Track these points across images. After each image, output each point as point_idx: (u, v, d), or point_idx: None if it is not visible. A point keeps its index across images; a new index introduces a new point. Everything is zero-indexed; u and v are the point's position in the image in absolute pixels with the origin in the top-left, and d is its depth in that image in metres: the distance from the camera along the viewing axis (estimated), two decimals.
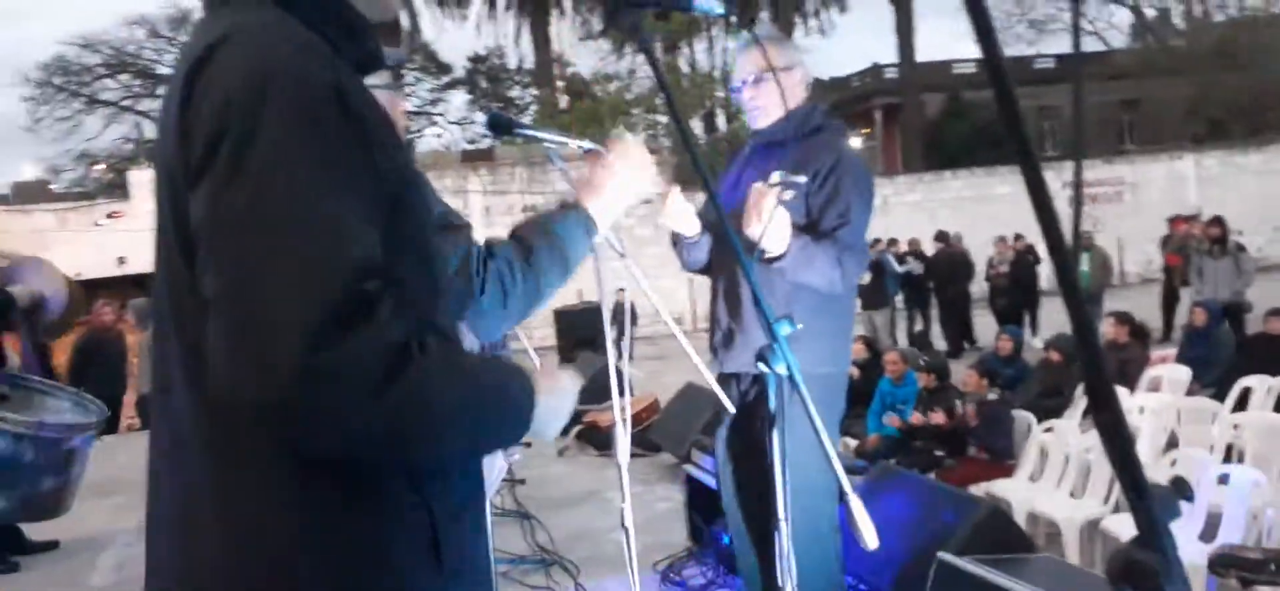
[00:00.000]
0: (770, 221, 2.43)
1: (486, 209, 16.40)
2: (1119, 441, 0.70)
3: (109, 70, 33.25)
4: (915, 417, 6.39)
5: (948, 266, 12.84)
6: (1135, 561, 0.71)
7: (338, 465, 1.01)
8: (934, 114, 30.99)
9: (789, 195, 2.51)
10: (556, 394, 1.24)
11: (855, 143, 36.60)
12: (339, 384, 0.92)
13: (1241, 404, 6.34)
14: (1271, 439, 5.31)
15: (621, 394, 2.14)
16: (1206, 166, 21.30)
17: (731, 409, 2.03)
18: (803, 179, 2.61)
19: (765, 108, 2.81)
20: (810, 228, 2.65)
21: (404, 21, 28.05)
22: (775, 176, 2.54)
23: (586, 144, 2.65)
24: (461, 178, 17.22)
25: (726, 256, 2.85)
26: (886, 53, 32.33)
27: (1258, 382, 6.48)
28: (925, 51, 28.71)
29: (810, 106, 2.85)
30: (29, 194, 26.87)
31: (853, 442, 7.02)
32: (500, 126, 2.08)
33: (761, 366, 1.42)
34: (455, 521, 1.12)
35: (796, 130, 2.81)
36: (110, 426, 9.89)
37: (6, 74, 54.67)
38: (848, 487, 1.36)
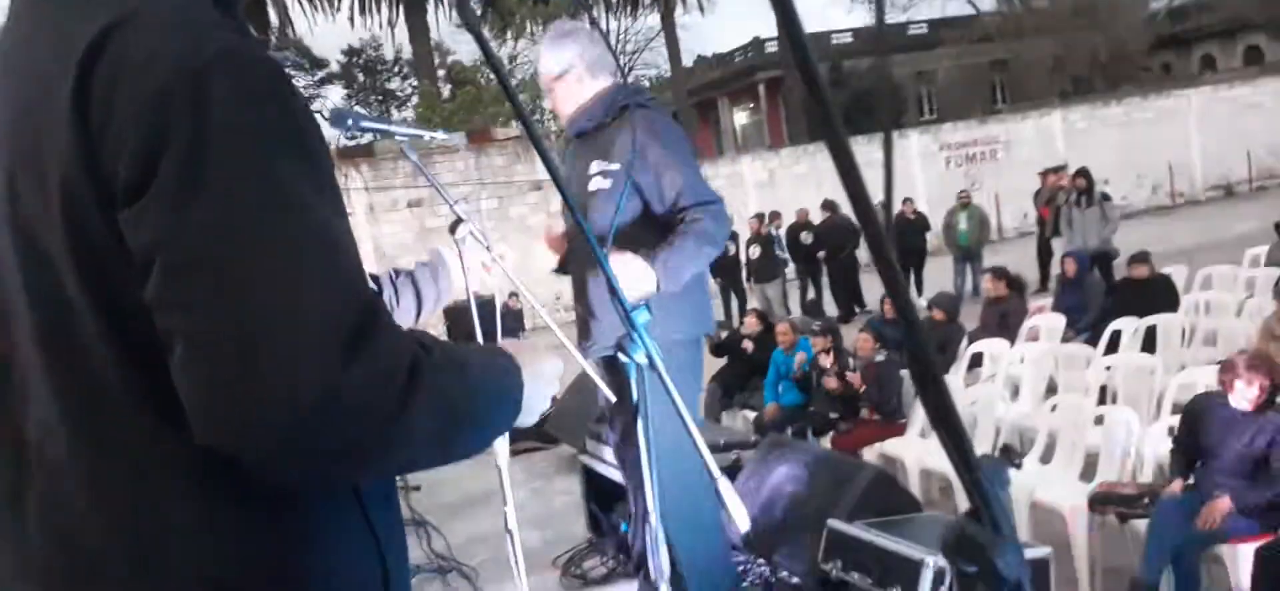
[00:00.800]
0: (623, 274, 2.51)
1: (370, 206, 15.95)
2: (947, 421, 0.69)
3: None
4: (829, 383, 6.43)
5: (835, 234, 13.10)
6: (968, 535, 0.71)
7: (285, 498, 0.91)
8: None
9: (607, 184, 2.55)
10: (541, 375, 1.14)
11: (742, 117, 37.19)
12: (367, 408, 0.83)
13: (1113, 347, 6.65)
14: (1140, 379, 5.58)
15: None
16: (1072, 121, 22.32)
17: (611, 397, 1.97)
18: (616, 165, 2.66)
19: (562, 105, 2.90)
20: (654, 219, 2.74)
21: (273, 17, 26.96)
22: (594, 167, 2.67)
23: (439, 135, 2.66)
24: (341, 175, 16.68)
25: (579, 246, 2.85)
26: (767, 27, 32.79)
27: (1126, 325, 6.81)
28: (804, 23, 29.07)
29: (613, 89, 2.91)
30: None
31: (751, 415, 7.09)
32: (340, 120, 1.96)
33: (621, 356, 1.37)
34: (398, 550, 1.05)
35: (603, 116, 2.88)
36: None
37: None
38: (715, 471, 1.32)
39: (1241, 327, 6.37)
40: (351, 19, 29.73)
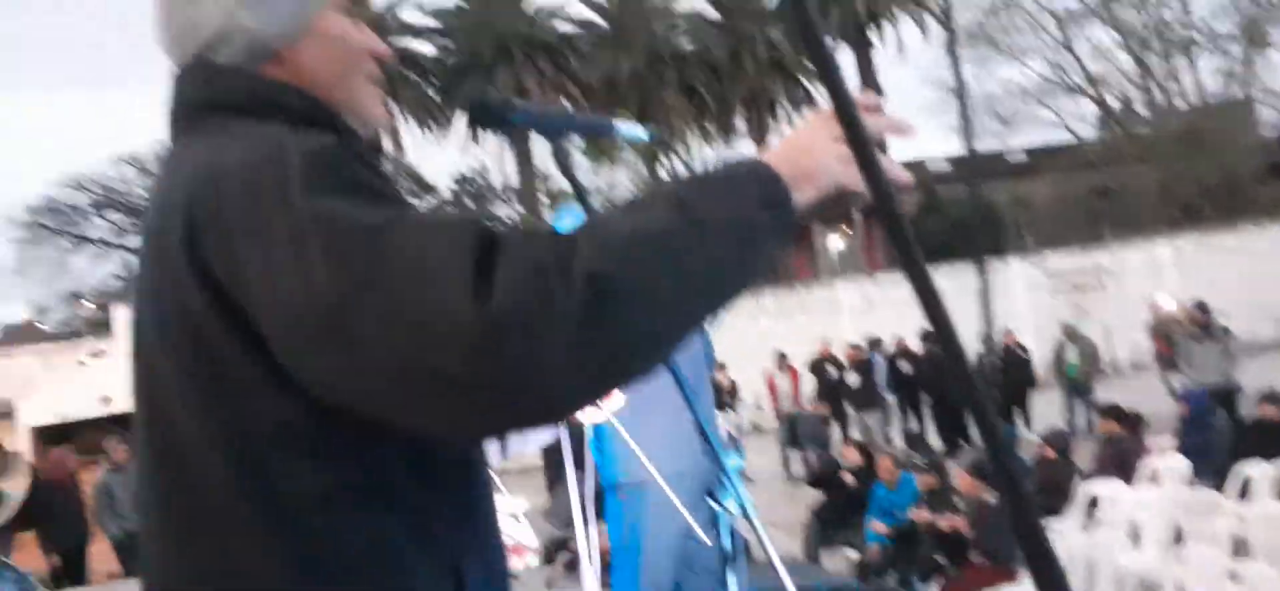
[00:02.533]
0: None
1: None
2: (1049, 573, 0.66)
3: (96, 208, 33.56)
4: (921, 515, 6.24)
5: (937, 364, 12.82)
6: None
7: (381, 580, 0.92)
8: (911, 211, 31.46)
9: None
10: (802, 136, 1.00)
11: (837, 242, 37.11)
12: (524, 316, 0.78)
13: (1243, 493, 6.26)
14: (1277, 530, 5.23)
15: (586, 523, 2.08)
16: (1183, 250, 21.57)
17: (707, 541, 1.95)
18: None
19: None
20: None
21: (387, 144, 28.54)
22: None
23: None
24: None
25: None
26: None
27: (1258, 471, 6.41)
28: (899, 150, 29.27)
29: None
30: (17, 336, 26.76)
31: (853, 554, 6.88)
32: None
33: (711, 503, 1.37)
34: None
35: None
36: (76, 578, 9.60)
37: None
38: None
39: None
40: (463, 146, 31.23)
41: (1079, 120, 33.68)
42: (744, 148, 34.89)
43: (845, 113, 0.68)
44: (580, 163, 31.64)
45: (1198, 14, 31.37)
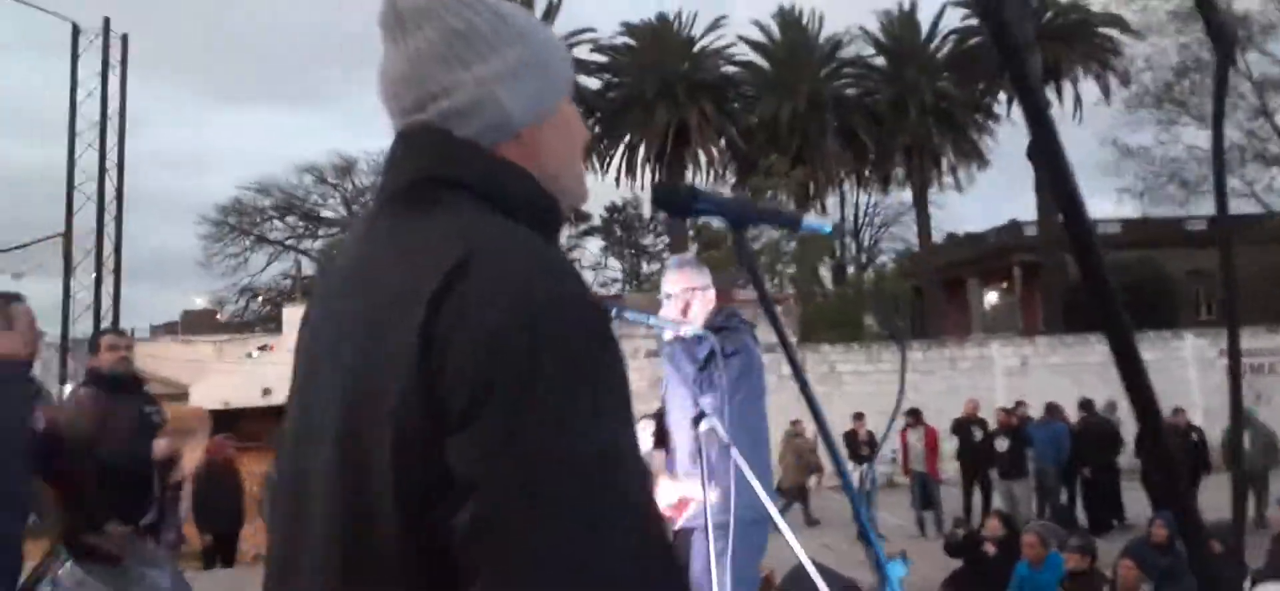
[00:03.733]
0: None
1: None
2: None
3: (277, 212, 36.10)
4: None
5: (1093, 437, 12.08)
6: None
7: None
8: (1076, 274, 29.84)
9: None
10: None
11: (992, 297, 35.62)
12: None
13: None
14: None
15: None
16: None
17: None
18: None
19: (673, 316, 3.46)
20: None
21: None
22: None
23: (686, 328, 3.16)
24: None
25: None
26: (1026, 210, 31.61)
27: None
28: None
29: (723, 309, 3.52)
30: (195, 324, 28.97)
31: None
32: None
33: None
34: None
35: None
36: (227, 560, 10.20)
37: (189, 214, 60.10)
38: None
39: None
40: (618, 179, 31.86)
41: (1271, 192, 31.18)
42: (903, 197, 34.14)
43: (1043, 136, 0.64)
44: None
45: None
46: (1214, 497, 9.89)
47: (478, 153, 1.00)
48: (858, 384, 17.53)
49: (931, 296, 29.67)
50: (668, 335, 3.45)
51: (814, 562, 2.87)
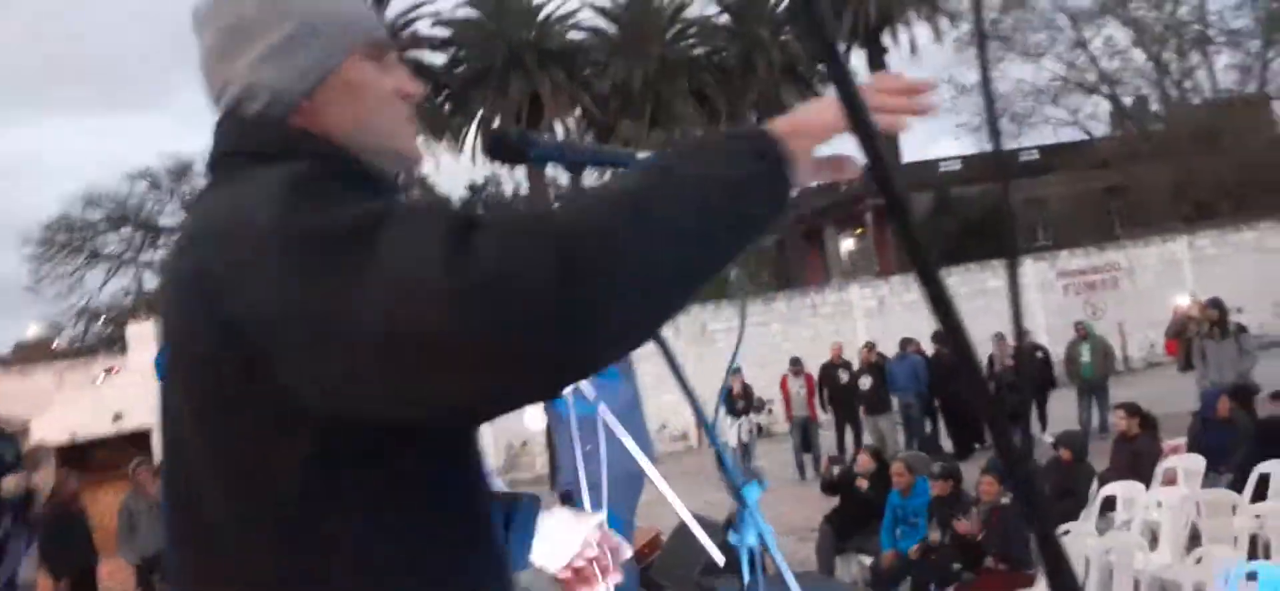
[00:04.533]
0: None
1: None
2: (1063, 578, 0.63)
3: (110, 224, 33.80)
4: (934, 537, 6.20)
5: (947, 366, 12.74)
6: None
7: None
8: (923, 212, 31.34)
9: None
10: (808, 104, 1.02)
11: (848, 244, 37.03)
12: (499, 279, 0.80)
13: (1260, 492, 6.18)
14: None
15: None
16: (1200, 248, 21.40)
17: (719, 558, 1.94)
18: None
19: None
20: None
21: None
22: None
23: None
24: None
25: None
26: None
27: (1275, 468, 6.33)
28: (909, 151, 29.25)
29: None
30: (31, 355, 26.95)
31: (867, 560, 6.83)
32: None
33: (732, 536, 1.35)
34: None
35: None
36: None
37: (9, 236, 55.64)
38: None
39: None
40: (474, 157, 31.28)
41: (1093, 119, 33.50)
42: None
43: (855, 112, 0.66)
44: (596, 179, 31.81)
45: (1213, 9, 31.29)
46: (1060, 409, 10.63)
47: (262, 125, 1.10)
48: (730, 340, 17.92)
49: (792, 247, 30.56)
50: None
51: (696, 517, 2.91)
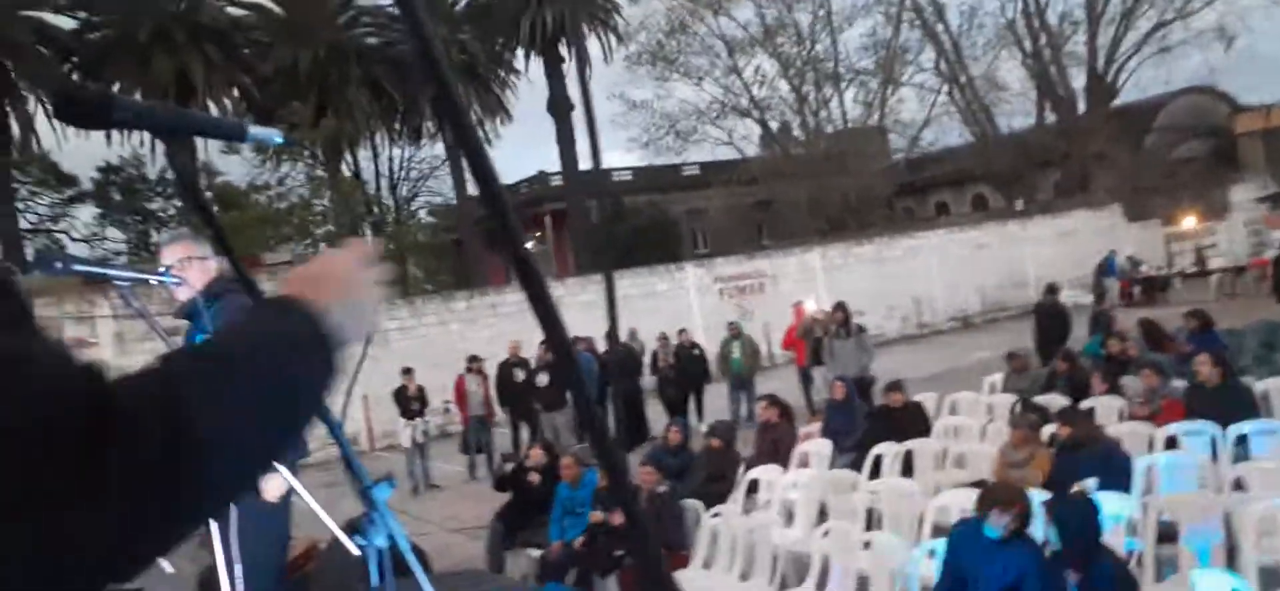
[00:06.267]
0: None
1: (118, 335, 14.60)
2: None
3: None
4: (594, 516, 6.43)
5: (620, 362, 13.33)
6: None
7: None
8: (598, 218, 32.59)
9: None
10: (346, 286, 0.96)
11: (528, 245, 37.70)
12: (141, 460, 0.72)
13: (876, 471, 7.07)
14: (902, 502, 5.94)
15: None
16: (830, 257, 24.18)
17: (356, 551, 1.89)
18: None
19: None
20: None
21: (15, 129, 24.79)
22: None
23: (163, 278, 2.87)
24: (88, 302, 15.20)
25: None
26: (551, 162, 33.63)
27: (887, 450, 7.27)
28: (584, 160, 30.25)
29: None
30: None
31: (536, 553, 6.91)
32: (45, 264, 1.82)
33: (358, 540, 1.30)
34: None
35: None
36: None
37: None
38: None
39: (985, 450, 6.97)
40: (108, 136, 27.70)
41: (745, 140, 36.74)
42: (437, 150, 34.31)
43: (464, 139, 0.67)
44: (250, 158, 29.36)
45: (844, 51, 35.69)
46: (714, 402, 11.40)
47: None
48: (404, 340, 17.42)
49: (472, 247, 30.39)
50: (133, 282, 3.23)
51: (344, 526, 2.78)
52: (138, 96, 27.00)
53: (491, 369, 13.65)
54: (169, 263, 3.36)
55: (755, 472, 7.27)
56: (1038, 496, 4.99)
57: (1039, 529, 4.44)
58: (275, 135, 1.34)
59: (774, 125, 36.08)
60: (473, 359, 13.62)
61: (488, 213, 0.64)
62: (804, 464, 7.72)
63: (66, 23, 27.01)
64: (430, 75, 0.65)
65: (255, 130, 1.26)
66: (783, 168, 33.37)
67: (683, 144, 35.78)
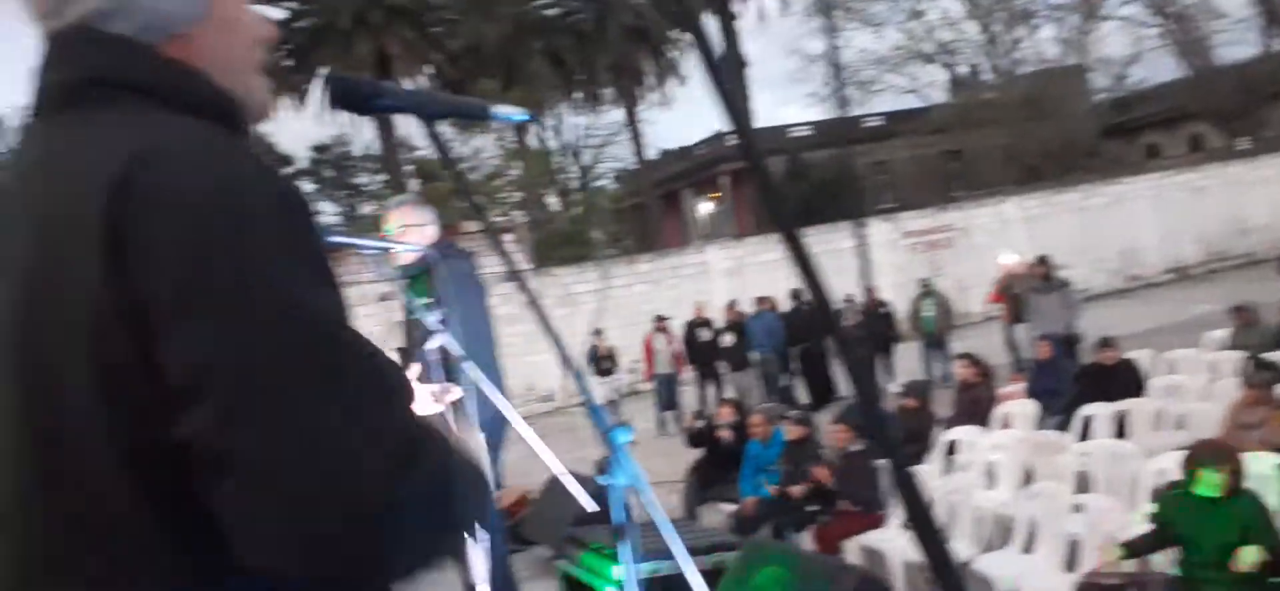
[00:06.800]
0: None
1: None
2: (921, 519, 0.70)
3: None
4: (793, 490, 6.43)
5: (803, 322, 13.21)
6: None
7: None
8: (777, 176, 32.24)
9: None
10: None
11: (706, 207, 37.69)
12: (424, 514, 0.88)
13: (1085, 432, 6.72)
14: (1115, 465, 5.63)
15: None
16: (1028, 208, 22.86)
17: (590, 506, 1.99)
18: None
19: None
20: None
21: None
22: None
23: (407, 247, 3.22)
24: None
25: None
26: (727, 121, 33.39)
27: (1099, 411, 6.89)
28: (761, 118, 29.98)
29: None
30: None
31: (729, 508, 7.04)
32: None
33: (602, 479, 1.39)
34: None
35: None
36: None
37: None
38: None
39: (1208, 411, 6.48)
40: (319, 114, 29.93)
41: (931, 87, 35.20)
42: (616, 115, 34.87)
43: (716, 79, 0.70)
44: (447, 132, 30.93)
45: None
46: (905, 362, 11.18)
47: (135, 50, 0.92)
48: (592, 301, 18.00)
49: (652, 210, 30.85)
50: (382, 256, 3.58)
51: (570, 472, 2.94)
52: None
53: (676, 329, 13.90)
54: (394, 227, 3.67)
55: (954, 433, 7.07)
56: (1272, 460, 4.62)
57: (1273, 497, 4.12)
58: (518, 113, 1.45)
59: (961, 70, 34.37)
60: (660, 319, 13.92)
61: (759, 196, 0.69)
62: (1006, 425, 7.44)
63: (278, 12, 29.22)
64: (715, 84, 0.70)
65: (499, 109, 1.37)
66: (973, 115, 31.78)
67: (865, 95, 34.69)
